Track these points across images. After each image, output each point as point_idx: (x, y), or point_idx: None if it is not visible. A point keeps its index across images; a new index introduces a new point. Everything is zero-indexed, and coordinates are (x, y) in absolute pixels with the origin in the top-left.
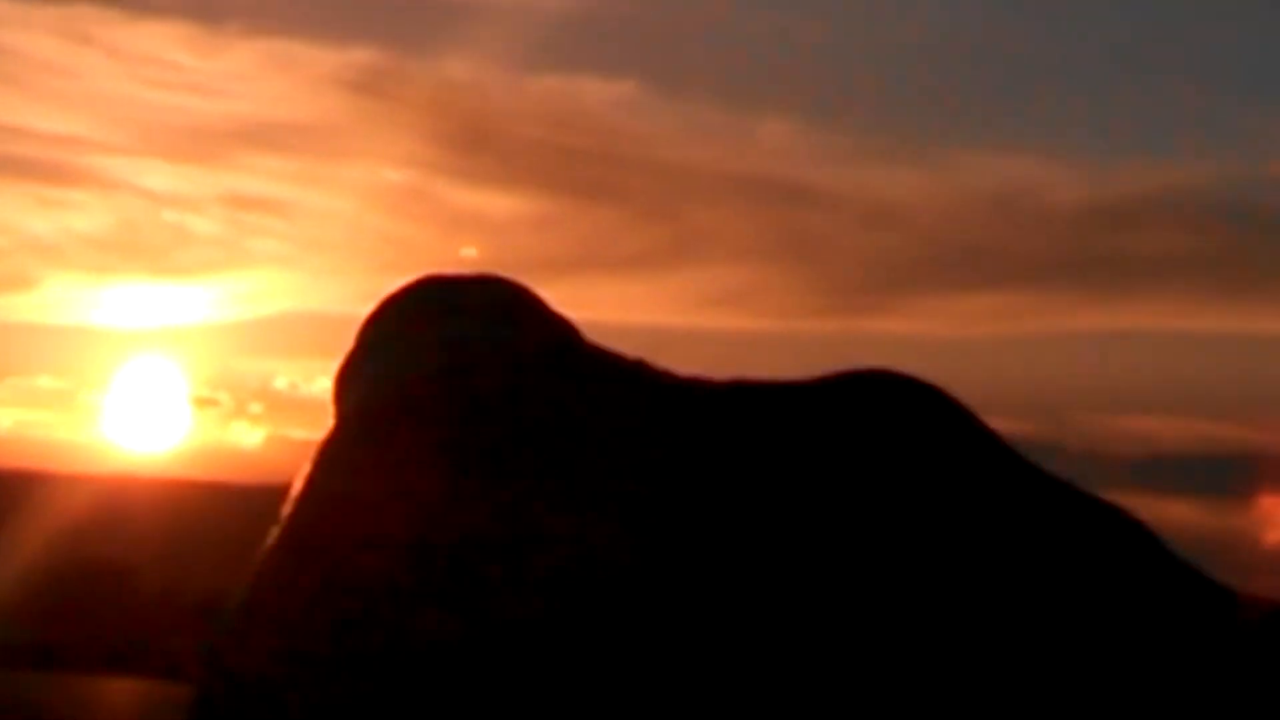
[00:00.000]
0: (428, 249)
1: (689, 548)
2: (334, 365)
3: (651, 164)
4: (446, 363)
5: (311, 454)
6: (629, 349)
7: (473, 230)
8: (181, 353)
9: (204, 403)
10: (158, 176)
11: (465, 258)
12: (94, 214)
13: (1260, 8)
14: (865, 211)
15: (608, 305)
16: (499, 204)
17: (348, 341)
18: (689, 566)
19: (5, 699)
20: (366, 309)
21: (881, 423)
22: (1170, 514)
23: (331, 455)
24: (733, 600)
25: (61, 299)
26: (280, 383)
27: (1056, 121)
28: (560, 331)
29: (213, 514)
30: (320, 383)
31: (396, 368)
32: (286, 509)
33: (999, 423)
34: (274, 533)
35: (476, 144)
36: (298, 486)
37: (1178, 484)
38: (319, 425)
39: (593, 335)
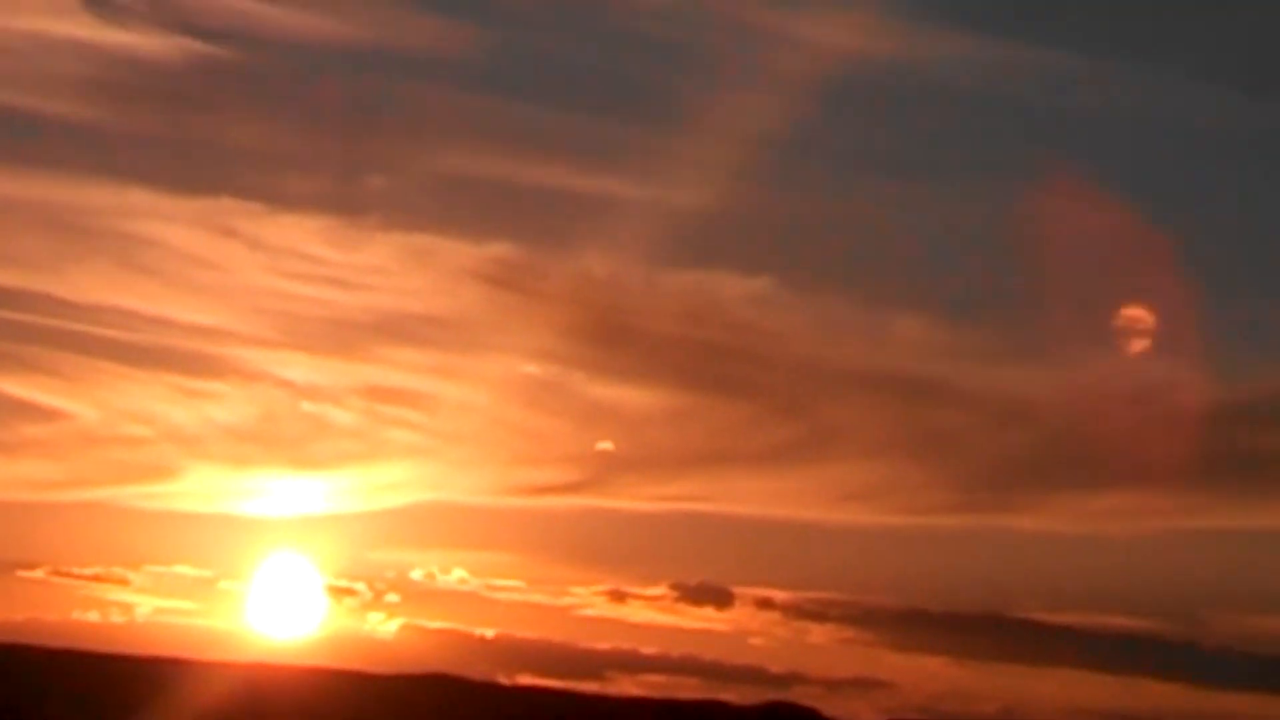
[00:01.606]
0: (564, 441)
1: None
2: (470, 556)
3: (786, 359)
4: None
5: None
6: (763, 541)
7: (609, 423)
8: (319, 542)
9: (341, 592)
10: (298, 368)
11: (601, 451)
12: (235, 405)
13: None
14: (997, 409)
15: (743, 499)
16: (635, 398)
17: (484, 533)
18: None
19: None
20: (503, 501)
21: None
22: None
23: None
24: None
25: (202, 488)
26: (416, 573)
27: (1189, 323)
28: None
29: (349, 702)
30: (456, 573)
31: None
32: None
33: (1131, 621)
34: None
35: (612, 338)
36: None
37: None
38: (454, 615)
39: (728, 529)
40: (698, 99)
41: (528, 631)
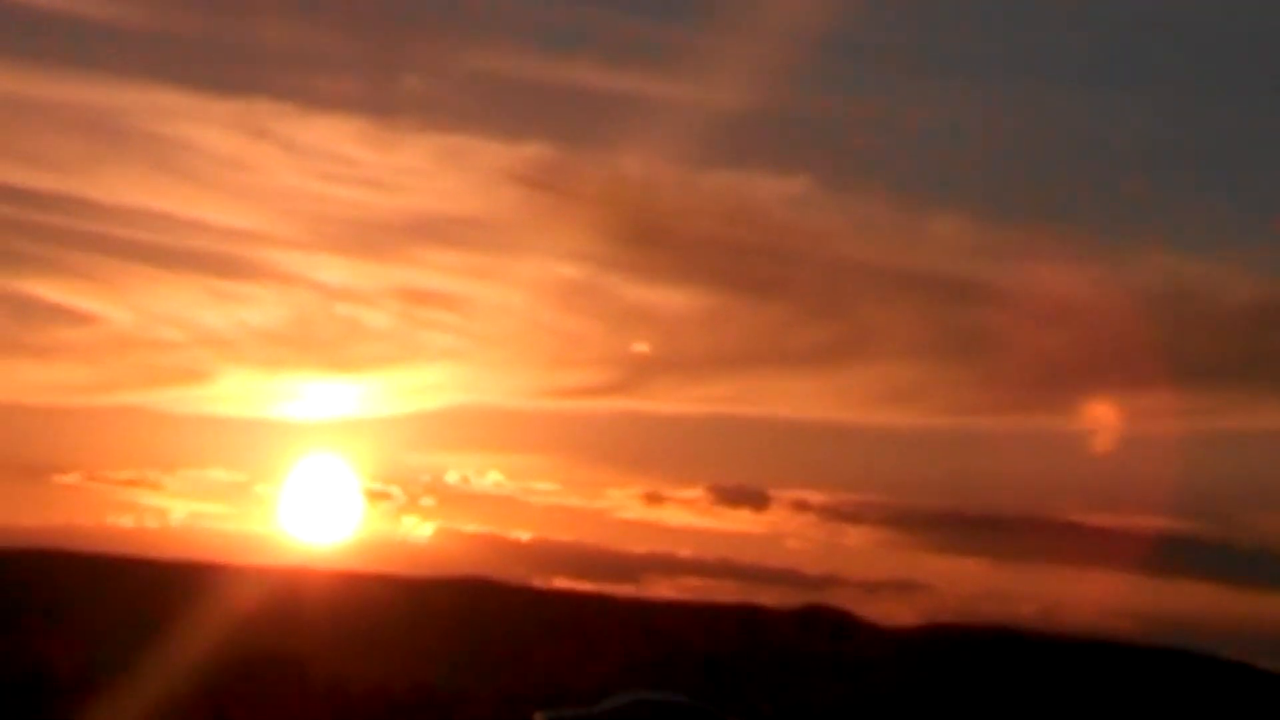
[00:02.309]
0: (599, 344)
1: None
2: (505, 459)
3: (822, 260)
4: None
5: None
6: (799, 443)
7: (644, 325)
8: (354, 446)
9: (376, 496)
10: (332, 271)
11: (637, 352)
12: (268, 308)
13: None
14: (1036, 309)
15: (779, 400)
16: (670, 299)
17: (519, 435)
18: None
19: None
20: (538, 403)
21: None
22: None
23: None
24: None
25: (236, 392)
26: (452, 476)
27: (1229, 221)
28: None
29: (384, 605)
30: (491, 476)
31: None
32: None
33: (1169, 522)
34: None
35: (648, 239)
36: None
37: None
38: (489, 519)
39: (764, 430)
40: None
41: (563, 534)
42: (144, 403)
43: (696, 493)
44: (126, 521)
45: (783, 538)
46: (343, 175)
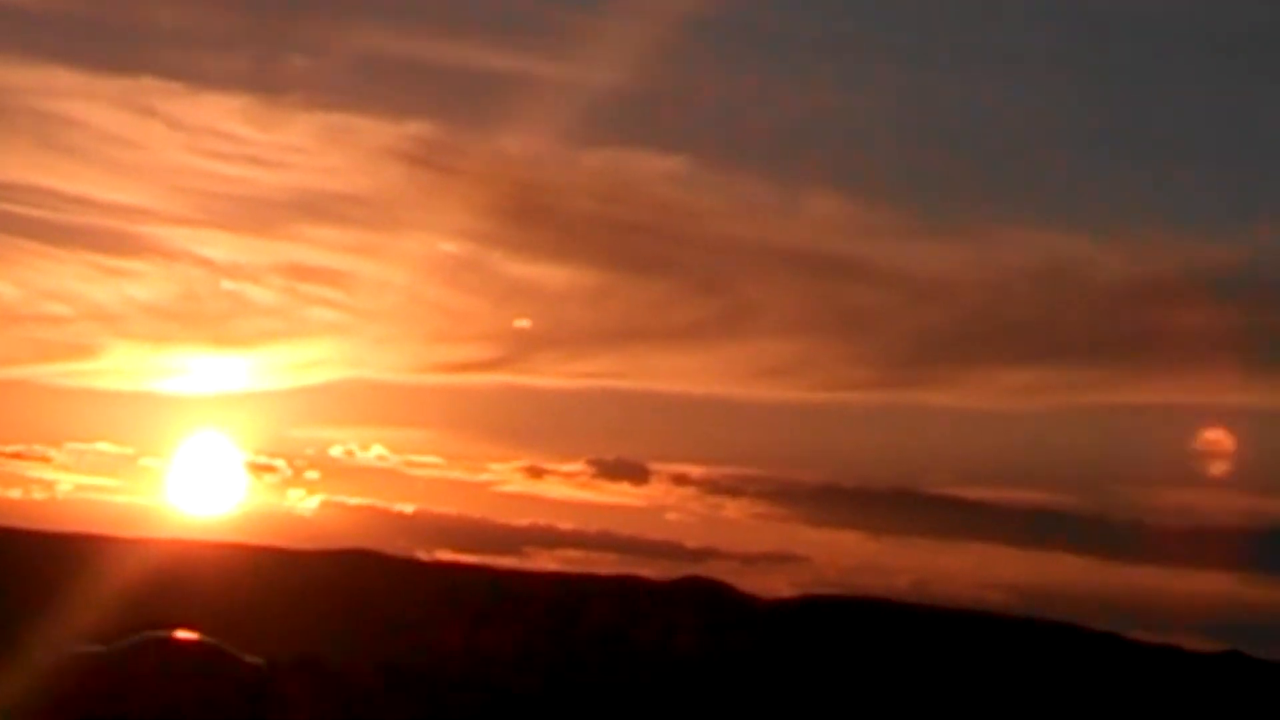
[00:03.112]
0: (482, 319)
1: None
2: (389, 433)
3: (702, 237)
4: None
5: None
6: (680, 417)
7: (526, 301)
8: (239, 420)
9: (261, 469)
10: (218, 247)
11: (519, 328)
12: (155, 283)
13: None
14: (912, 286)
15: (660, 376)
16: (552, 276)
17: (403, 409)
18: None
19: None
20: (421, 378)
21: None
22: (1210, 586)
23: None
24: None
25: (122, 367)
26: (336, 450)
27: (1103, 199)
28: None
29: (269, 577)
30: (375, 450)
31: None
32: None
33: (1043, 496)
34: None
35: (530, 217)
36: None
37: (1218, 556)
38: (373, 492)
39: (645, 405)
40: None
41: (446, 507)
42: (31, 376)
43: (577, 466)
44: (14, 494)
45: (663, 510)
46: (228, 153)
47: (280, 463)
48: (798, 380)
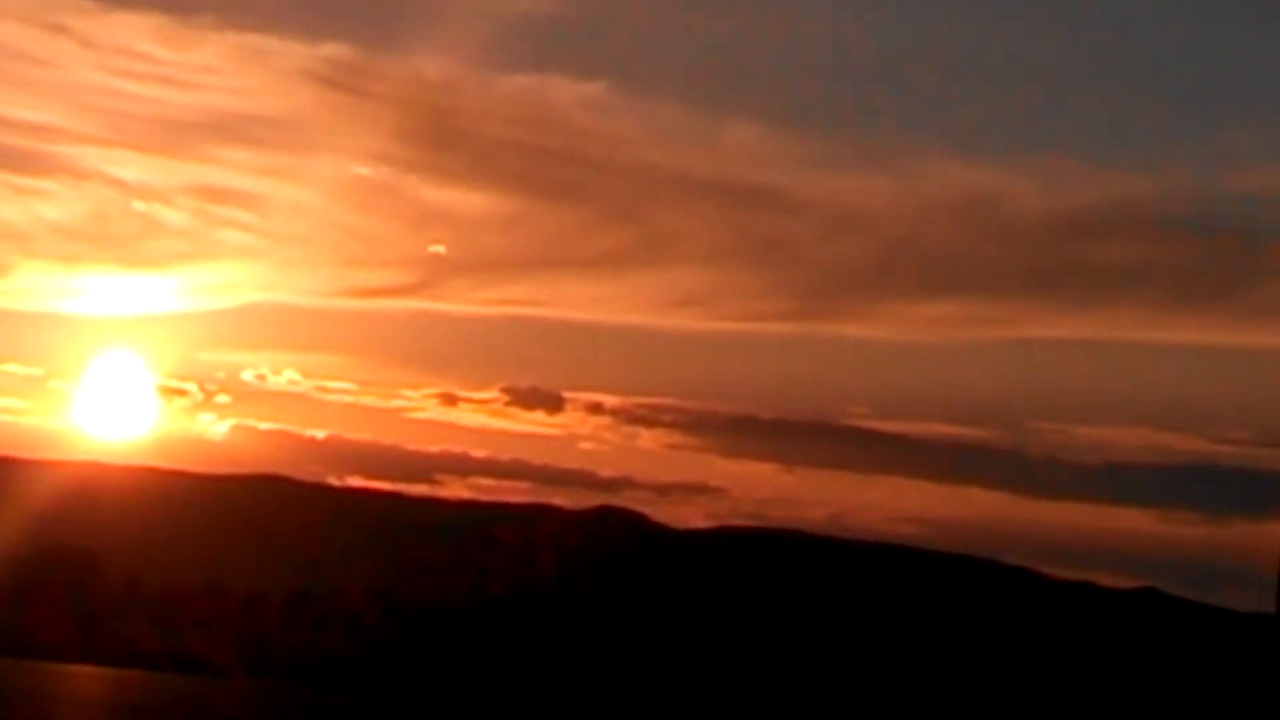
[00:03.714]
0: (396, 244)
1: None
2: (301, 358)
3: (619, 165)
4: None
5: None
6: (595, 346)
7: (441, 227)
8: (150, 342)
9: (171, 392)
10: (129, 167)
11: (433, 254)
12: (65, 203)
13: (1220, 24)
14: (830, 216)
15: (573, 304)
16: (468, 201)
17: (315, 334)
18: None
19: None
20: (334, 302)
21: None
22: (1126, 523)
23: None
24: None
25: (31, 287)
26: (247, 374)
27: (1020, 132)
28: None
29: (180, 501)
30: (287, 375)
31: None
32: None
33: (959, 430)
34: None
35: (446, 141)
36: None
37: (1134, 493)
38: (285, 417)
39: (559, 333)
40: None
41: (358, 433)
42: None
43: (491, 394)
44: None
45: (577, 439)
46: (141, 72)
47: (191, 386)
48: (714, 310)
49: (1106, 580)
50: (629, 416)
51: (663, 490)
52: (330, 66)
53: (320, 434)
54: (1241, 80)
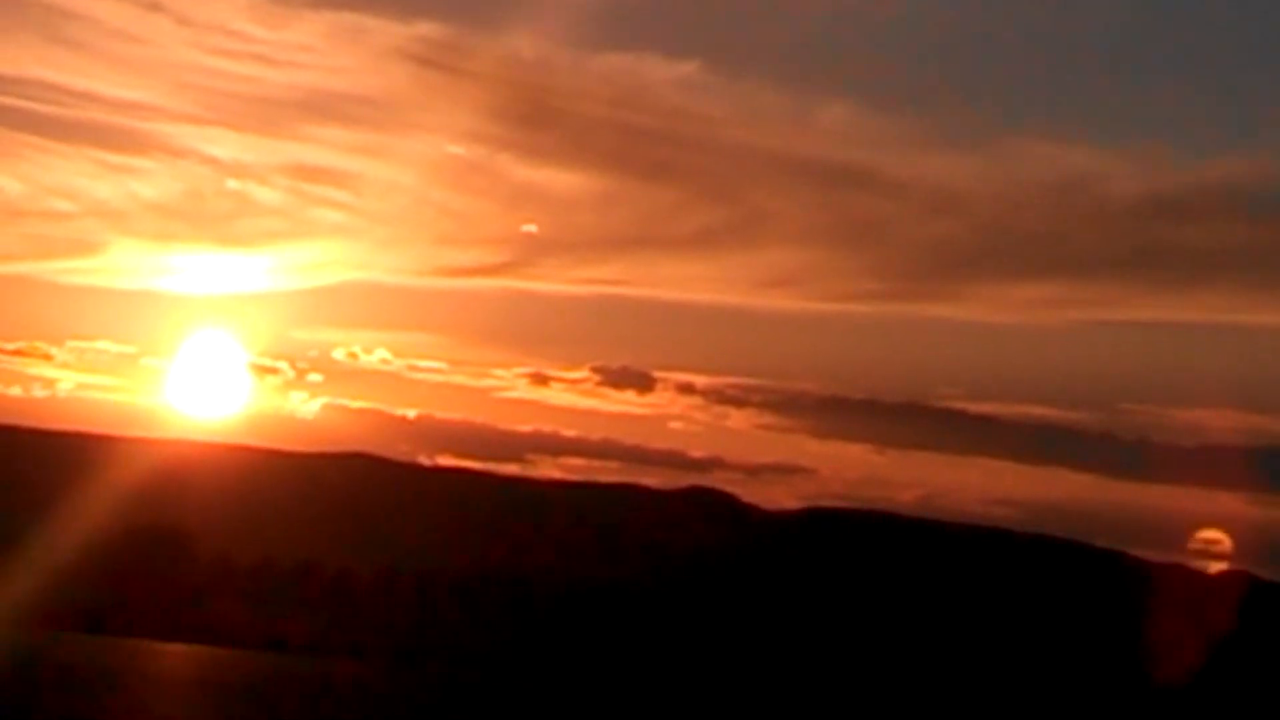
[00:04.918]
0: (489, 223)
1: None
2: (392, 337)
3: (712, 145)
4: None
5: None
6: (685, 326)
7: (534, 206)
8: (243, 321)
9: (264, 371)
10: (223, 145)
11: (526, 233)
12: (159, 181)
13: None
14: (924, 197)
15: (667, 283)
16: (561, 180)
17: (407, 313)
18: None
19: (68, 660)
20: (426, 281)
21: None
22: (1219, 505)
23: None
24: None
25: (126, 265)
26: (339, 353)
27: (1116, 113)
28: None
29: (270, 480)
30: (378, 353)
31: None
32: None
33: (1051, 412)
34: None
35: (540, 120)
36: None
37: (1228, 475)
38: (376, 395)
39: (650, 313)
40: None
41: (449, 413)
42: (34, 273)
43: (582, 373)
44: (15, 391)
45: (667, 420)
46: (236, 50)
47: (283, 364)
48: (806, 290)
49: (1198, 563)
50: (719, 397)
51: (753, 471)
52: (424, 45)
53: (411, 413)
54: None
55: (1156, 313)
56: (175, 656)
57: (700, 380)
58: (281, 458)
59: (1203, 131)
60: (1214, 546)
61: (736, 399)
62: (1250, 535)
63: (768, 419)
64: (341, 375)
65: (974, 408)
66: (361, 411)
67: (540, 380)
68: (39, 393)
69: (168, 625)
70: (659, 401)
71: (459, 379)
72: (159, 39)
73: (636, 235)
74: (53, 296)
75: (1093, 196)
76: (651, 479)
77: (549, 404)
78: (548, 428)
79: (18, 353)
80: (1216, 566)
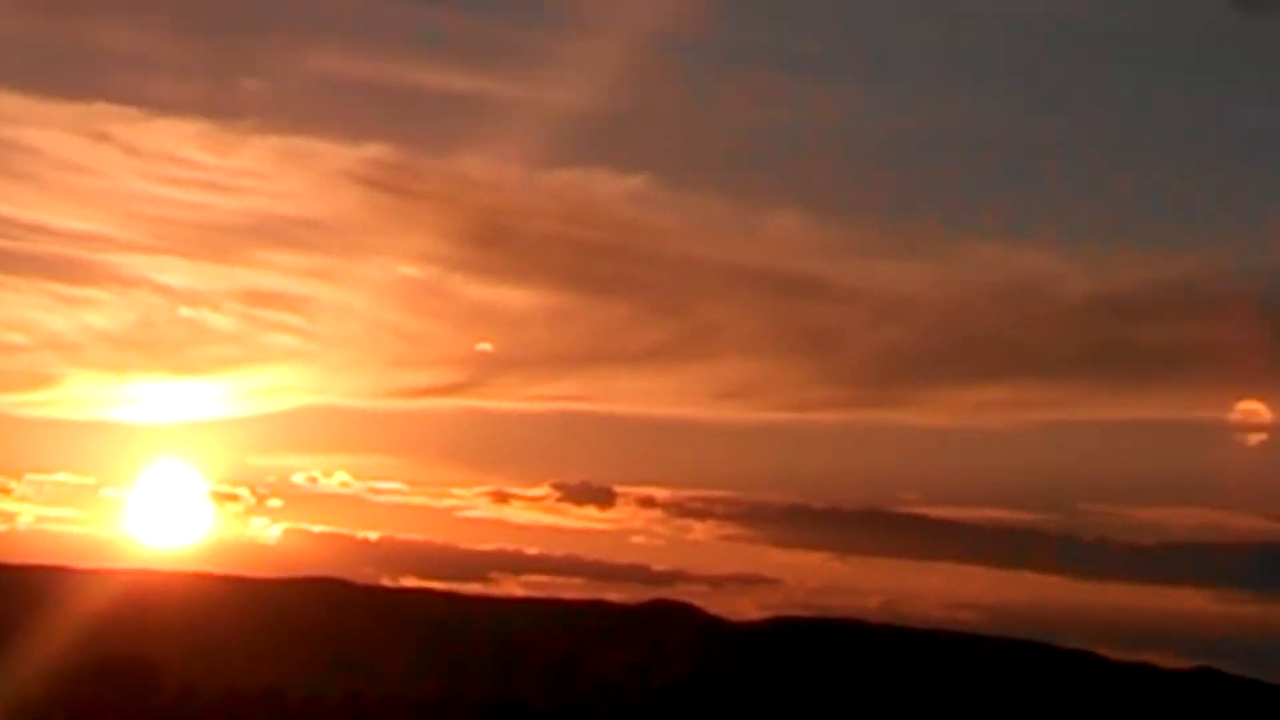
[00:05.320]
0: (444, 343)
1: None
2: (351, 460)
3: (664, 258)
4: None
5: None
6: (644, 440)
7: (488, 324)
8: (201, 448)
9: (224, 498)
10: (175, 274)
11: (481, 352)
12: (112, 311)
13: (1261, 107)
14: (875, 304)
15: (623, 398)
16: (514, 298)
17: (365, 436)
18: None
19: None
20: (383, 403)
21: None
22: (1181, 603)
23: None
24: None
25: (81, 396)
26: (299, 477)
27: (1063, 214)
28: None
29: (234, 607)
30: (338, 477)
31: None
32: None
33: (1011, 514)
34: None
35: (491, 239)
36: None
37: (1188, 572)
38: (337, 519)
39: (609, 428)
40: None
41: (411, 534)
42: None
43: (542, 490)
44: None
45: (629, 534)
46: (184, 178)
47: (243, 491)
48: (763, 400)
49: (1165, 661)
50: (681, 509)
51: (716, 583)
52: (373, 167)
53: (373, 535)
54: None
55: (1112, 412)
56: None
57: (661, 494)
58: (244, 584)
59: (1151, 231)
60: (1180, 642)
61: (698, 511)
62: (1214, 631)
63: (730, 530)
64: (302, 500)
65: (934, 512)
66: (323, 535)
67: (501, 498)
68: None
69: None
70: (620, 516)
71: (419, 499)
72: (107, 169)
73: (591, 350)
74: (9, 430)
75: (1044, 298)
76: (615, 593)
77: (510, 522)
78: (510, 546)
79: None
80: (1182, 663)
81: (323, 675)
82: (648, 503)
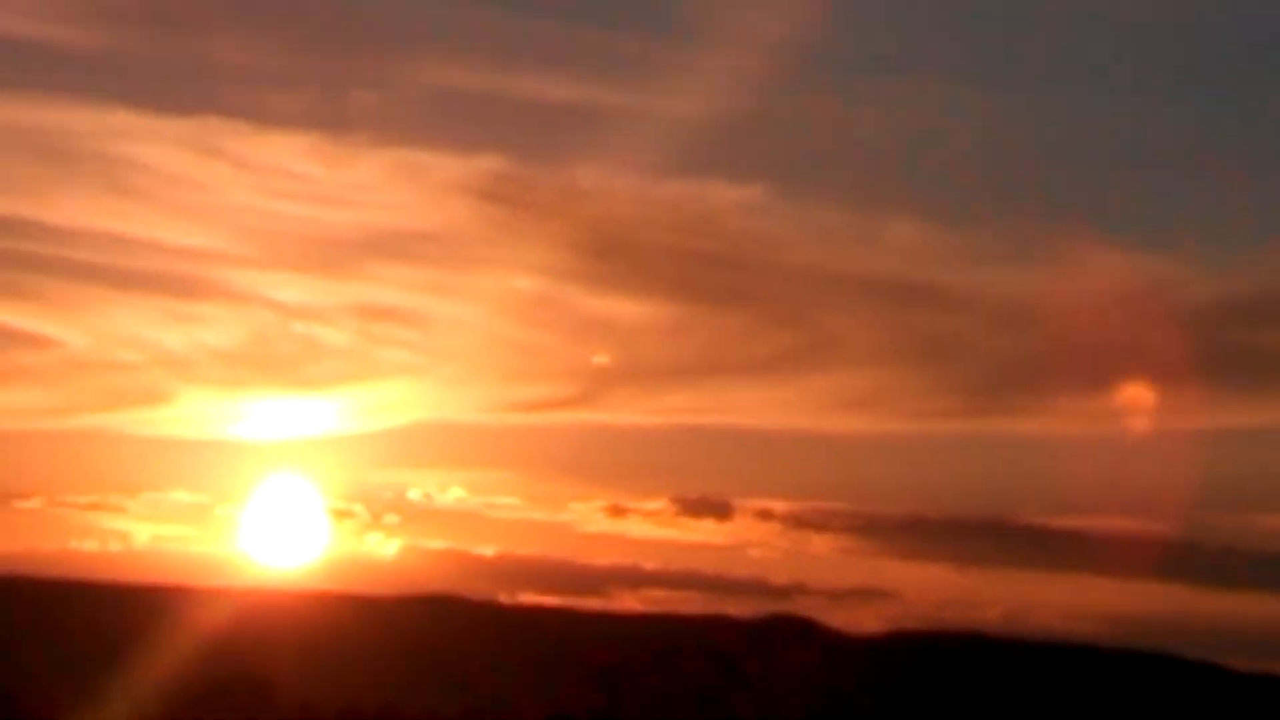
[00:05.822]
0: (558, 356)
1: None
2: (467, 475)
3: (780, 267)
4: None
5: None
6: (762, 452)
7: (603, 336)
8: (316, 465)
9: (340, 514)
10: (288, 288)
11: (597, 364)
12: (226, 327)
13: None
14: (994, 312)
15: (740, 410)
16: (629, 310)
17: (481, 450)
18: None
19: None
20: (499, 417)
21: None
22: None
23: None
24: None
25: (195, 413)
26: (414, 493)
27: (1185, 217)
28: None
29: (350, 625)
30: (454, 492)
31: None
32: None
33: (1133, 523)
34: None
35: (606, 250)
36: None
37: None
38: (453, 535)
39: (726, 440)
40: (689, 6)
41: (527, 549)
42: (104, 425)
43: (660, 504)
44: (89, 546)
45: (747, 547)
46: (296, 192)
47: (359, 507)
48: (881, 411)
49: None
50: (799, 522)
51: (835, 596)
52: (485, 179)
53: (489, 551)
54: None
55: (1234, 419)
56: None
57: (779, 506)
58: (361, 602)
59: (1275, 231)
60: None
61: (816, 523)
62: None
63: (848, 542)
64: (418, 516)
65: (1055, 522)
66: (439, 552)
67: (618, 512)
68: (114, 546)
69: None
70: (738, 529)
71: (536, 515)
72: (219, 184)
73: (708, 362)
74: (124, 448)
75: (1166, 303)
76: (733, 607)
77: (627, 536)
78: (627, 560)
79: (91, 506)
80: None
81: (439, 693)
82: (765, 515)
